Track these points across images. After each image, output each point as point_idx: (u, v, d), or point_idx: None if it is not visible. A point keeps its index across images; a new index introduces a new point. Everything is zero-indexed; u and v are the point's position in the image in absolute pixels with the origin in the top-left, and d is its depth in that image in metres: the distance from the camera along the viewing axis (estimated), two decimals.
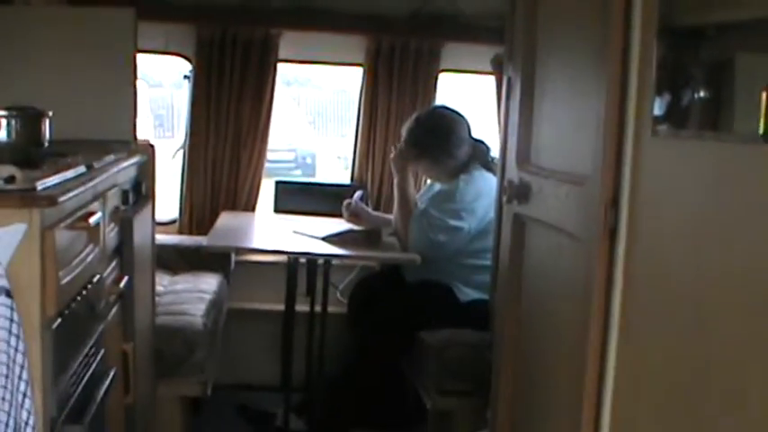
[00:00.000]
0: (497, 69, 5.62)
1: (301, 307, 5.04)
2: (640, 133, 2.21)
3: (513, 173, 3.04)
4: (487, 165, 4.98)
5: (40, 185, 2.25)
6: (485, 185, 4.82)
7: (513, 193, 2.94)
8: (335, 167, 10.02)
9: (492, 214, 4.58)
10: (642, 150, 2.21)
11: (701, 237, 1.92)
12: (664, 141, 2.13)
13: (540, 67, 2.97)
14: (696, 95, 2.10)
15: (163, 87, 8.21)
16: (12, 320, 2.10)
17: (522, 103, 3.04)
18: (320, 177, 10.32)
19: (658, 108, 2.15)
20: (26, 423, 2.13)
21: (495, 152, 5.05)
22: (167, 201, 5.58)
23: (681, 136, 2.08)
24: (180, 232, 5.77)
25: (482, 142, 5.07)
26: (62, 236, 2.30)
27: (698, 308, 1.91)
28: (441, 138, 4.90)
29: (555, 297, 2.69)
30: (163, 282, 4.82)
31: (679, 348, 1.99)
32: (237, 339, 5.47)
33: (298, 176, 9.50)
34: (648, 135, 2.16)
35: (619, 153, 2.27)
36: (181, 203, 5.81)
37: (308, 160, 11.65)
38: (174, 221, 5.80)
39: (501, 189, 4.00)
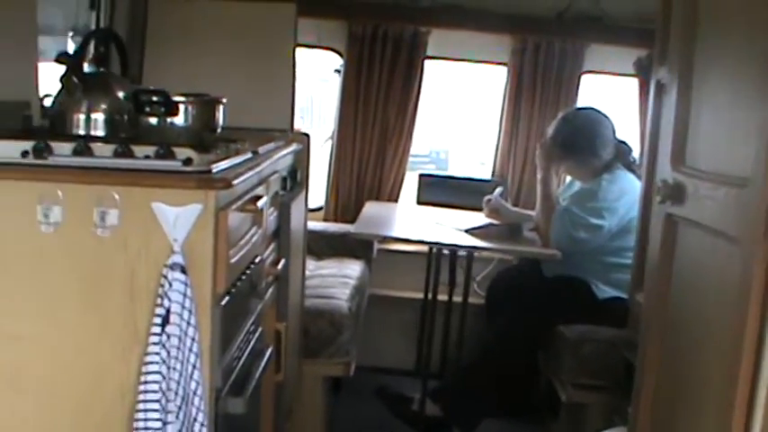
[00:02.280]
0: (641, 72, 5.64)
1: (439, 296, 5.12)
2: None
3: (666, 173, 3.05)
4: (629, 165, 5.02)
5: (214, 168, 2.35)
6: (627, 185, 4.86)
7: (668, 193, 2.96)
8: (468, 164, 10.05)
9: (633, 214, 4.60)
10: None
11: None
12: None
13: (696, 68, 2.98)
14: None
15: (305, 81, 8.33)
16: (185, 295, 2.20)
17: (677, 106, 3.05)
18: (457, 173, 10.33)
19: None
20: (194, 393, 2.23)
21: (636, 153, 5.08)
22: (313, 189, 5.71)
23: None
24: (325, 219, 5.91)
25: (624, 143, 5.10)
26: (233, 217, 2.39)
27: None
28: (587, 138, 4.94)
29: (707, 299, 2.70)
30: (309, 266, 4.95)
31: None
32: (376, 325, 5.59)
33: (435, 171, 9.57)
34: None
35: None
36: (327, 192, 5.96)
37: (443, 156, 11.74)
38: (320, 209, 5.95)
39: (648, 189, 4.02)
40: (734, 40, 2.72)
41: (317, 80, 7.66)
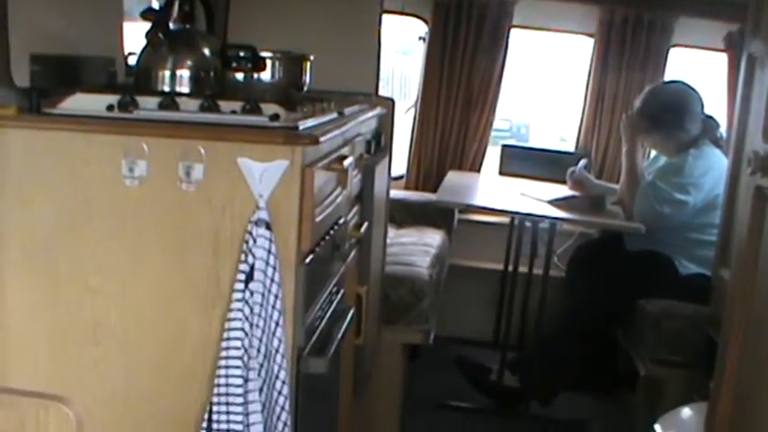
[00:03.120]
0: (731, 47, 5.53)
1: (520, 268, 5.10)
2: None
3: (758, 145, 3.00)
4: (716, 141, 4.96)
5: (301, 126, 2.35)
6: (714, 161, 4.80)
7: (759, 164, 2.90)
8: (549, 139, 9.99)
9: (719, 190, 4.52)
10: None
11: None
12: None
13: None
14: None
15: (388, 53, 8.33)
16: (270, 252, 2.19)
17: None
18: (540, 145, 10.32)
19: None
20: (276, 350, 2.23)
21: (722, 129, 5.00)
22: (395, 158, 5.71)
23: None
24: (406, 188, 5.91)
25: (712, 118, 5.02)
26: (319, 176, 2.36)
27: None
28: (675, 112, 4.88)
29: None
30: (390, 234, 4.93)
31: None
32: (456, 295, 5.59)
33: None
34: None
35: None
36: (409, 160, 5.95)
37: (523, 130, 11.70)
38: (401, 177, 5.94)
39: (735, 165, 3.95)
40: None
41: (398, 53, 7.64)
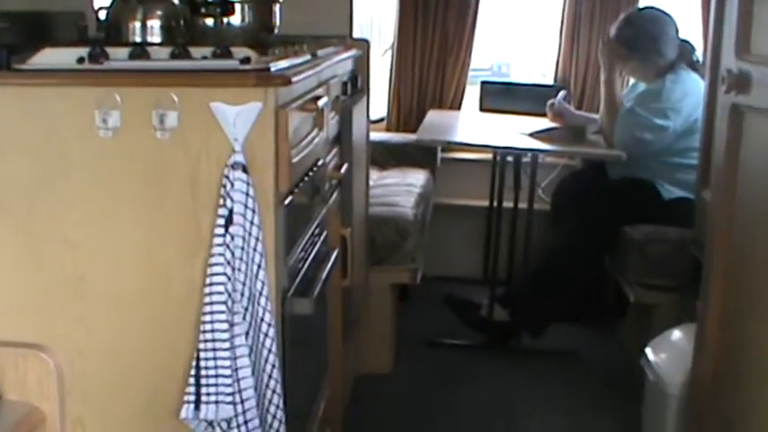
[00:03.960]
0: None
1: (505, 203, 5.11)
2: None
3: (731, 63, 2.99)
4: (693, 65, 4.97)
5: (273, 67, 2.33)
6: (691, 85, 4.82)
7: (733, 82, 2.90)
8: (530, 76, 9.97)
9: (698, 114, 4.54)
10: None
11: None
12: None
13: None
14: None
15: None
16: (248, 195, 2.19)
17: None
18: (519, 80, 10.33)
19: None
20: (260, 293, 2.24)
21: (698, 53, 5.01)
22: (375, 101, 5.71)
23: None
24: (387, 130, 5.91)
25: (687, 42, 5.03)
26: (293, 117, 2.37)
27: None
28: (650, 37, 4.89)
29: None
30: (373, 176, 4.95)
31: None
32: (442, 234, 5.62)
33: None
34: None
35: None
36: (389, 103, 5.95)
37: (504, 69, 11.69)
38: (381, 120, 5.94)
39: (712, 86, 3.95)
40: None
41: None
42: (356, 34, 4.13)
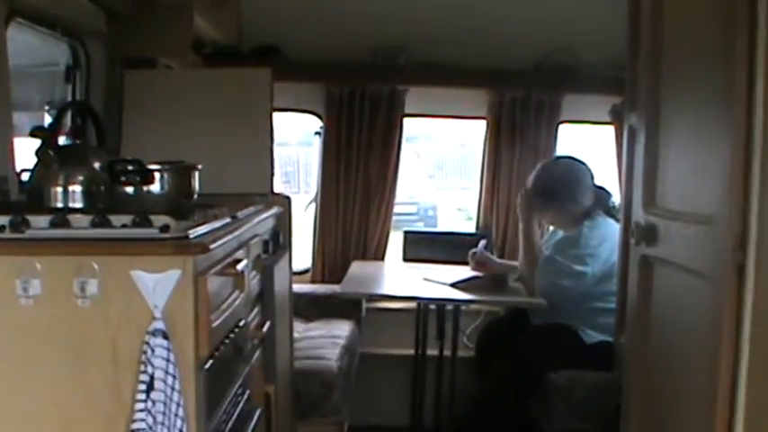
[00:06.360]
0: (616, 119, 5.70)
1: (430, 351, 5.14)
2: (767, 171, 2.26)
3: (639, 216, 3.10)
4: (609, 211, 5.08)
5: (192, 234, 2.38)
6: (608, 230, 4.91)
7: (641, 235, 3.00)
8: (456, 219, 10.11)
9: (615, 258, 4.64)
10: None
11: None
12: None
13: (663, 113, 3.03)
14: None
15: (289, 146, 8.44)
16: (168, 361, 2.22)
17: (646, 149, 3.11)
18: (442, 228, 10.45)
19: None
20: None
21: (615, 199, 5.13)
22: (300, 251, 5.74)
23: None
24: (313, 281, 5.94)
25: (603, 189, 5.16)
26: (213, 282, 2.41)
27: None
28: (566, 186, 5.00)
29: (684, 335, 2.73)
30: (298, 328, 4.97)
31: None
32: (369, 383, 5.61)
33: (421, 228, 9.65)
34: None
35: (746, 192, 2.32)
36: (313, 254, 5.99)
37: (431, 212, 11.83)
38: (306, 271, 5.98)
39: (626, 233, 4.06)
40: (695, 86, 2.78)
41: (301, 144, 7.72)
42: (283, 181, 4.18)
